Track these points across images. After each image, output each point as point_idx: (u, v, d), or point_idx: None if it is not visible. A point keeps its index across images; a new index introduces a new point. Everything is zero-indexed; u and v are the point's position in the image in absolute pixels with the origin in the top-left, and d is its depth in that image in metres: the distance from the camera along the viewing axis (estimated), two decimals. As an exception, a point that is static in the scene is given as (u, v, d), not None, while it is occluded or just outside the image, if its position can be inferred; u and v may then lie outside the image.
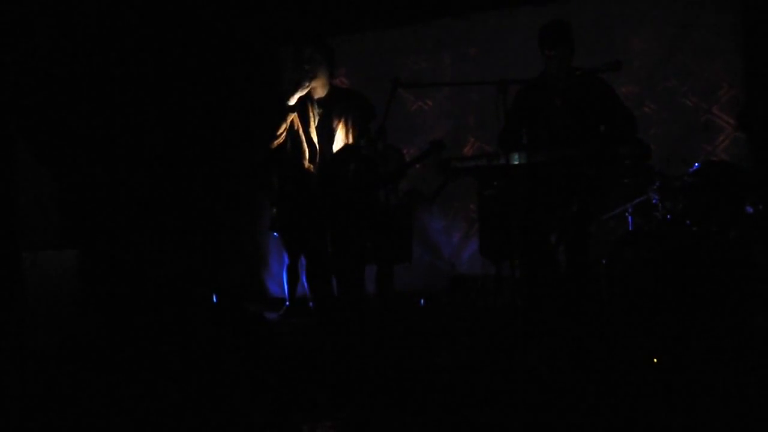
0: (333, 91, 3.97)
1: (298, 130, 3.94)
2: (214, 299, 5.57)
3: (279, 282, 6.14)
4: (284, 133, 3.92)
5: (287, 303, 5.63)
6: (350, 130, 3.91)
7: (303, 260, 5.42)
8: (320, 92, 3.94)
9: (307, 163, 3.93)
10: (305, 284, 5.43)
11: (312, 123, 3.93)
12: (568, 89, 3.74)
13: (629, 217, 4.51)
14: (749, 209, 4.02)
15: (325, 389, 3.10)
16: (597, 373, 3.05)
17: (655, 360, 3.09)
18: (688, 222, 4.10)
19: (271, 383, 3.15)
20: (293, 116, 3.90)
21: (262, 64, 6.81)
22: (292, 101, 3.86)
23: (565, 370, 3.11)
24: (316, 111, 3.95)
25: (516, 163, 3.32)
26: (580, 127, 3.66)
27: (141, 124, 6.05)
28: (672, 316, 3.78)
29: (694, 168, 4.17)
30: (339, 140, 3.91)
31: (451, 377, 3.22)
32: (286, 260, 5.65)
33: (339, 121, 3.90)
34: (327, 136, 3.92)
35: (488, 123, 5.89)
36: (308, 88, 3.88)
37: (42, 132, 5.09)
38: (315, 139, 3.91)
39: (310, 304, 5.39)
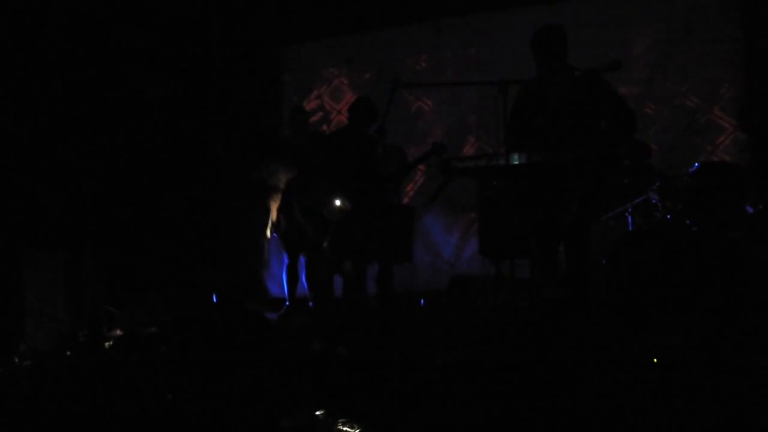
0: (310, 144, 4.88)
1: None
2: (214, 299, 5.57)
3: (279, 282, 6.14)
4: None
5: (287, 303, 5.63)
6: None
7: (302, 260, 5.48)
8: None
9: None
10: (305, 284, 5.46)
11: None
12: (566, 89, 3.73)
13: (629, 217, 4.51)
14: (749, 209, 4.02)
15: (325, 389, 3.10)
16: (597, 373, 3.04)
17: (655, 360, 3.09)
18: (688, 222, 4.10)
19: (271, 383, 3.15)
20: None
21: (262, 65, 6.81)
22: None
23: (565, 368, 3.11)
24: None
25: (516, 163, 3.32)
26: (579, 127, 3.66)
27: (141, 124, 6.05)
28: (672, 316, 3.77)
29: (694, 168, 4.17)
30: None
31: (451, 377, 3.21)
32: (286, 260, 5.65)
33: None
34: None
35: (488, 123, 5.93)
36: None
37: (44, 131, 5.10)
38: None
39: (310, 303, 5.40)
